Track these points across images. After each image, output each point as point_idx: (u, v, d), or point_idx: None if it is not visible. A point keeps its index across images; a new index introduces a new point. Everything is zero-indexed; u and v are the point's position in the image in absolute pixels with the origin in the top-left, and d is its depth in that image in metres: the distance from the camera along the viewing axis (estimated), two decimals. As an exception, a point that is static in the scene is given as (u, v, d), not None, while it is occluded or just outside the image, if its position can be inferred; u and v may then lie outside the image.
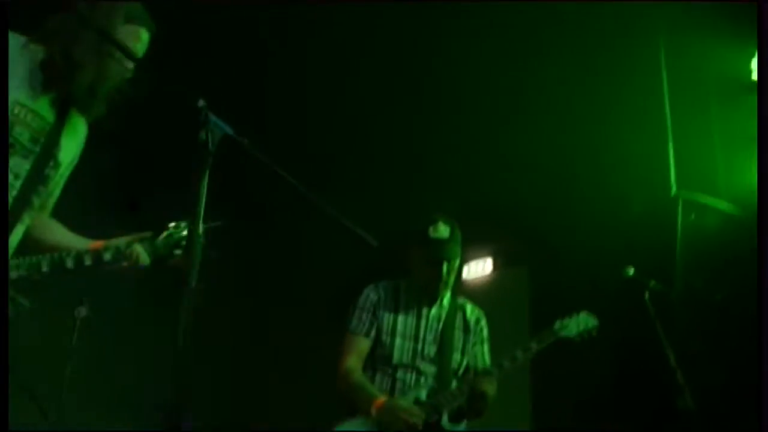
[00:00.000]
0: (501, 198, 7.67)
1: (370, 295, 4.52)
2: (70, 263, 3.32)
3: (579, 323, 4.67)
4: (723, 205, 6.18)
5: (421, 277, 4.48)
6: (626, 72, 6.27)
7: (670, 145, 6.20)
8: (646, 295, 4.93)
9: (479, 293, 7.39)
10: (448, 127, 7.43)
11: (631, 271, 4.96)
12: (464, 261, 8.22)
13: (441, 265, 4.39)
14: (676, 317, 5.68)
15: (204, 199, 2.63)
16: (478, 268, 8.32)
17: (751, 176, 6.17)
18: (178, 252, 3.45)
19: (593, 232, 6.71)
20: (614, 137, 6.39)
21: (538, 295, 7.62)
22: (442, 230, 4.42)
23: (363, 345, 4.46)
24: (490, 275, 8.30)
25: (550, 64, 6.47)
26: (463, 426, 4.32)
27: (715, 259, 6.11)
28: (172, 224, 3.51)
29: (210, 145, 2.71)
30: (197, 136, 2.73)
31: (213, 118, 2.76)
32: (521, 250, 8.05)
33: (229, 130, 2.77)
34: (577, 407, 6.87)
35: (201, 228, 2.59)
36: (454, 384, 4.42)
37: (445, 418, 4.26)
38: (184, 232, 3.47)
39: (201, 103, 2.75)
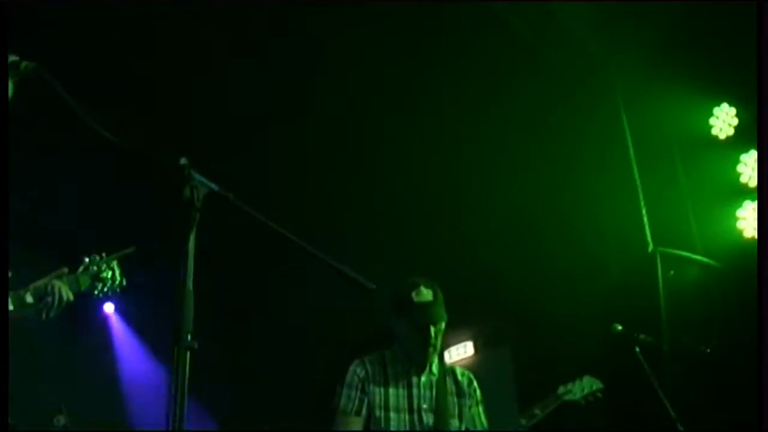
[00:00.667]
0: (477, 280, 7.65)
1: (357, 370, 4.38)
2: None
3: (584, 387, 4.57)
4: (700, 258, 6.20)
5: (408, 344, 4.37)
6: (589, 136, 6.35)
7: (642, 203, 6.25)
8: (637, 349, 4.86)
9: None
10: (416, 213, 7.43)
11: (619, 327, 4.92)
12: (445, 346, 8.16)
13: (428, 329, 4.29)
14: (668, 372, 5.63)
15: (192, 255, 2.57)
16: (460, 352, 8.22)
17: (724, 228, 6.25)
18: (99, 284, 3.51)
19: (574, 300, 6.68)
20: (585, 203, 6.45)
21: (524, 373, 7.55)
22: (426, 294, 4.32)
23: (355, 424, 4.28)
24: (472, 358, 8.21)
25: (514, 134, 6.54)
26: None
27: (700, 311, 6.10)
28: (86, 258, 3.58)
29: (196, 201, 2.66)
30: (181, 193, 2.68)
31: (196, 175, 2.72)
32: (502, 330, 8.00)
33: (214, 187, 2.73)
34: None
35: (190, 285, 2.52)
36: (457, 455, 4.29)
37: None
38: (103, 265, 3.54)
39: (183, 161, 2.71)
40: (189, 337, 2.41)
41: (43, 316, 3.51)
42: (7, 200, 3.12)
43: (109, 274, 3.58)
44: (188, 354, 2.43)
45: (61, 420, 5.78)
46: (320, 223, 7.08)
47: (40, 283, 3.49)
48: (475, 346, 8.28)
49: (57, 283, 3.46)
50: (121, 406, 8.45)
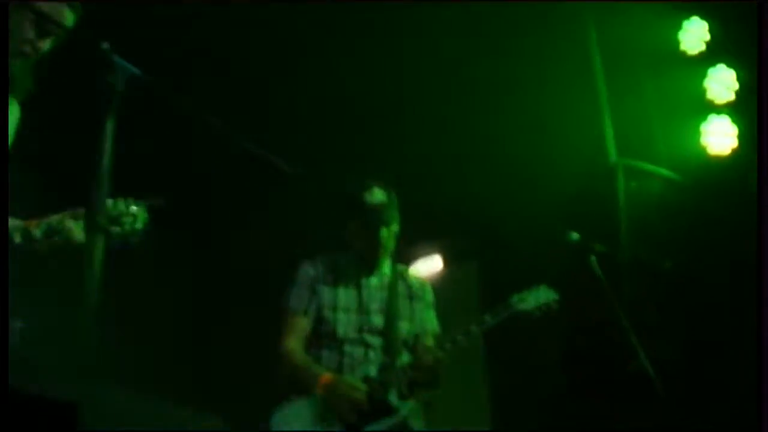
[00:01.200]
0: (444, 194, 7.60)
1: (308, 270, 4.36)
2: None
3: (538, 297, 4.48)
4: (664, 171, 6.16)
5: (359, 246, 4.34)
6: (553, 47, 6.26)
7: (606, 115, 6.19)
8: (592, 259, 4.82)
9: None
10: (386, 127, 7.34)
11: (575, 235, 4.87)
12: (412, 259, 8.14)
13: (379, 230, 4.26)
14: (625, 286, 5.63)
15: (111, 138, 2.52)
16: (427, 266, 8.19)
17: (689, 143, 6.21)
18: (116, 228, 3.33)
19: (538, 214, 6.65)
20: (548, 114, 6.37)
21: (490, 288, 7.53)
22: (378, 195, 4.28)
23: (303, 324, 4.28)
24: (439, 273, 8.18)
25: (481, 49, 6.43)
26: (411, 403, 4.16)
27: (660, 226, 6.08)
28: (111, 200, 3.39)
29: (117, 85, 2.61)
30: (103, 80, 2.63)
31: (118, 59, 2.66)
32: (469, 245, 7.96)
33: (136, 71, 2.67)
34: (533, 377, 6.81)
35: (107, 167, 2.47)
36: (404, 356, 4.27)
37: (393, 395, 4.11)
38: (122, 208, 3.35)
39: (104, 45, 2.65)
40: (103, 221, 2.37)
41: (48, 253, 3.38)
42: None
43: (130, 219, 3.37)
44: (103, 239, 2.39)
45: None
46: (287, 127, 7.02)
47: (54, 219, 3.31)
48: (443, 260, 8.25)
49: (69, 223, 3.28)
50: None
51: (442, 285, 7.92)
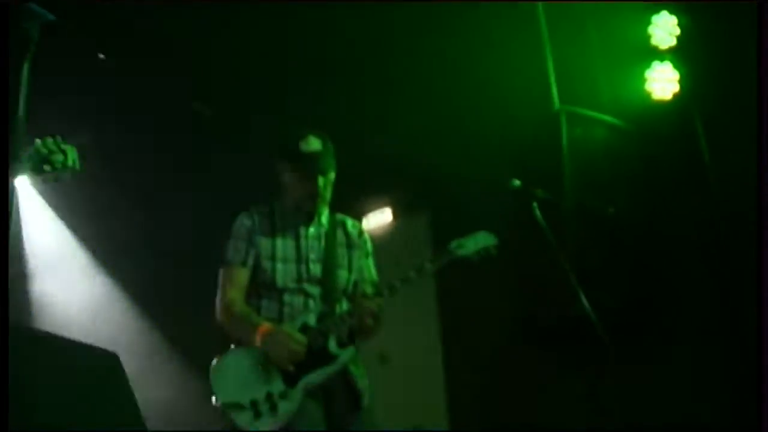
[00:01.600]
0: (391, 146, 7.60)
1: (244, 221, 4.31)
2: None
3: (477, 242, 4.47)
4: (607, 118, 6.19)
5: (295, 195, 4.31)
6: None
7: (549, 62, 6.19)
8: (534, 205, 4.84)
9: (381, 244, 7.32)
10: (332, 81, 7.30)
11: (517, 182, 4.88)
12: (363, 213, 8.15)
13: (316, 179, 4.22)
14: (568, 232, 5.67)
15: (26, 84, 2.49)
16: (377, 219, 8.22)
17: (633, 88, 6.24)
18: (46, 168, 3.29)
19: (484, 162, 6.65)
20: (494, 63, 6.37)
21: (443, 237, 7.54)
22: (314, 143, 4.23)
23: (241, 275, 4.24)
24: (390, 225, 8.20)
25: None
26: (351, 350, 4.16)
27: (604, 172, 6.12)
28: (38, 140, 3.35)
29: (32, 31, 2.56)
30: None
31: (33, 5, 2.61)
32: (418, 196, 7.98)
33: (51, 17, 2.62)
34: (484, 324, 6.88)
35: (22, 112, 2.44)
36: (344, 304, 4.27)
37: (332, 343, 4.10)
38: (52, 146, 3.31)
39: (18, -9, 2.60)
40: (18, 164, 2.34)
41: None
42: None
43: (61, 158, 3.30)
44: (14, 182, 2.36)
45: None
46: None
47: None
48: (394, 212, 8.27)
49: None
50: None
51: (394, 237, 8.00)
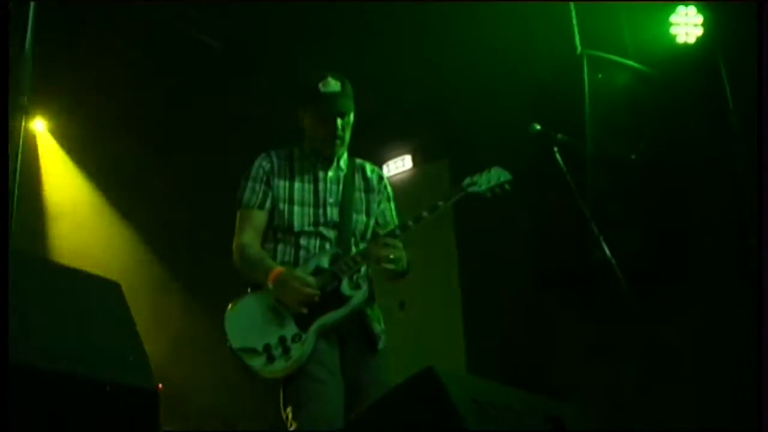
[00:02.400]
0: (413, 93, 7.54)
1: (263, 163, 4.26)
2: None
3: (490, 178, 4.38)
4: (630, 62, 6.10)
5: (315, 137, 4.26)
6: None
7: (572, 5, 6.09)
8: (555, 149, 4.79)
9: (401, 190, 7.31)
10: (351, 26, 7.22)
11: (537, 126, 4.83)
12: (383, 160, 8.12)
13: (335, 121, 4.17)
14: (589, 177, 5.62)
15: (32, 26, 2.46)
16: (398, 166, 8.18)
17: (656, 33, 6.14)
18: None
19: (505, 107, 6.59)
20: (516, 7, 6.28)
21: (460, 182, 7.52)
22: (333, 84, 4.18)
23: (258, 218, 4.20)
24: (410, 171, 8.17)
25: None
26: (364, 291, 4.13)
27: (626, 117, 6.05)
28: None
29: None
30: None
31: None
32: (439, 143, 7.93)
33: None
34: (503, 270, 6.86)
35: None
36: (361, 247, 4.24)
37: (345, 284, 4.06)
38: None
39: None
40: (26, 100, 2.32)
41: None
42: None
43: None
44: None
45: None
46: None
47: None
48: (414, 160, 8.23)
49: None
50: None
51: (414, 185, 7.97)
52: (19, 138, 2.37)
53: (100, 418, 2.07)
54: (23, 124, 2.45)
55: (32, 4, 2.54)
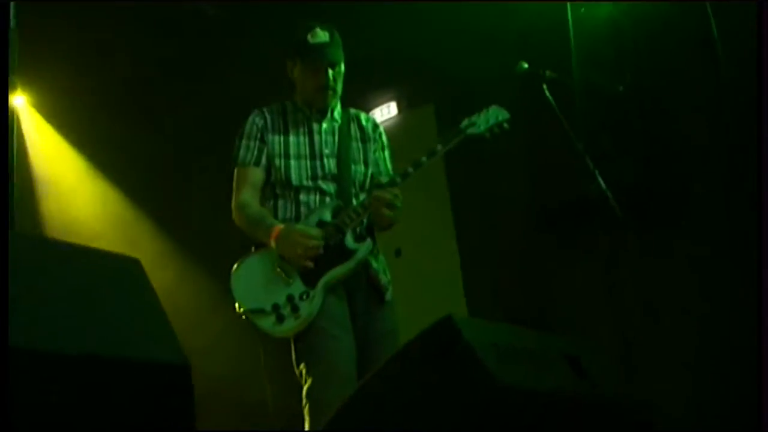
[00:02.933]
0: (393, 39, 7.46)
1: (256, 120, 4.23)
2: None
3: (488, 118, 4.35)
4: (611, -5, 6.08)
5: (306, 89, 4.23)
6: None
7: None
8: (544, 86, 4.78)
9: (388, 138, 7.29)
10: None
11: (525, 65, 4.81)
12: (368, 109, 8.06)
13: (325, 71, 4.15)
14: (579, 112, 5.62)
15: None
16: (383, 113, 8.13)
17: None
18: None
19: (488, 48, 6.55)
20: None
21: (449, 127, 7.49)
22: (321, 35, 4.15)
23: (256, 175, 4.18)
24: (395, 118, 8.12)
25: None
26: (368, 243, 4.12)
27: (612, 50, 6.04)
28: None
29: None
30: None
31: None
32: (424, 88, 7.87)
33: None
34: (499, 211, 6.87)
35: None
36: (360, 198, 4.22)
37: (349, 237, 4.05)
38: None
39: None
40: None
41: None
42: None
43: None
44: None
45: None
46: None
47: None
48: (399, 107, 8.17)
49: None
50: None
51: (400, 131, 7.92)
52: (12, 117, 2.33)
53: (132, 398, 2.06)
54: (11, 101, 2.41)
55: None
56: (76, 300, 2.08)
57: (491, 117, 4.36)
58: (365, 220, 4.18)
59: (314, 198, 4.16)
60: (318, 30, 4.18)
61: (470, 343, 2.28)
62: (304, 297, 3.93)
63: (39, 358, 1.87)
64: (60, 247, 2.35)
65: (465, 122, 4.34)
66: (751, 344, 4.28)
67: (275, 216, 4.16)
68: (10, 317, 1.82)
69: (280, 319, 3.90)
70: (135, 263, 2.38)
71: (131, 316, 2.21)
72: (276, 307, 3.91)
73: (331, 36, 4.19)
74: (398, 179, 4.16)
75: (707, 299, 5.69)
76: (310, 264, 3.94)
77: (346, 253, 4.03)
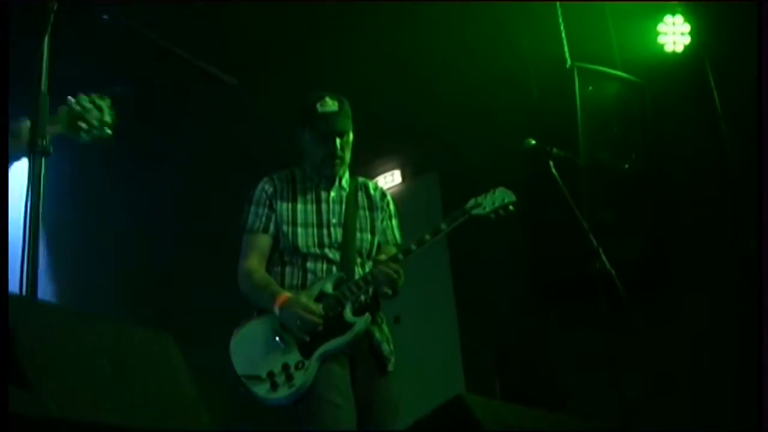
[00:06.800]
0: (400, 108, 7.54)
1: (265, 187, 4.27)
2: None
3: (494, 200, 4.33)
4: (619, 73, 6.15)
5: (314, 158, 4.27)
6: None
7: (560, 18, 6.13)
8: (551, 163, 4.81)
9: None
10: (342, 41, 7.23)
11: (532, 141, 4.84)
12: (372, 176, 8.10)
13: (333, 140, 4.20)
14: (584, 189, 5.66)
15: (47, 57, 2.45)
16: (387, 180, 8.16)
17: (644, 42, 6.20)
18: (83, 125, 3.19)
19: (496, 122, 6.63)
20: (502, 20, 6.32)
21: (452, 198, 7.51)
22: (330, 104, 4.19)
23: (263, 242, 4.21)
24: (399, 186, 8.15)
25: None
26: (366, 318, 4.07)
27: (618, 128, 6.11)
28: (71, 99, 3.23)
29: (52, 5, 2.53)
30: None
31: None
32: (428, 156, 7.92)
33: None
34: (499, 283, 6.87)
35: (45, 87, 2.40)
36: (367, 268, 4.23)
37: (348, 310, 4.04)
38: (85, 103, 3.22)
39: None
40: (44, 142, 2.30)
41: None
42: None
43: (97, 114, 3.23)
44: (42, 159, 2.34)
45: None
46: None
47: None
48: (403, 174, 8.22)
49: (25, 125, 2.97)
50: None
51: (404, 200, 7.94)
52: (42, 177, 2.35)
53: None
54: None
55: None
56: (108, 372, 2.09)
57: (497, 199, 4.35)
58: (371, 290, 4.17)
59: (321, 266, 4.17)
60: (327, 99, 4.22)
61: (482, 424, 2.27)
62: (300, 366, 3.93)
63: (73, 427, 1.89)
64: (93, 322, 2.35)
65: (471, 203, 4.35)
66: (753, 414, 4.28)
67: (282, 282, 4.17)
68: (44, 386, 1.83)
69: (274, 386, 3.90)
70: (167, 338, 2.40)
71: (163, 390, 2.21)
72: (271, 375, 3.92)
73: (341, 105, 4.23)
74: (400, 255, 4.16)
75: (710, 373, 5.70)
76: (308, 338, 3.95)
77: (344, 326, 4.03)
